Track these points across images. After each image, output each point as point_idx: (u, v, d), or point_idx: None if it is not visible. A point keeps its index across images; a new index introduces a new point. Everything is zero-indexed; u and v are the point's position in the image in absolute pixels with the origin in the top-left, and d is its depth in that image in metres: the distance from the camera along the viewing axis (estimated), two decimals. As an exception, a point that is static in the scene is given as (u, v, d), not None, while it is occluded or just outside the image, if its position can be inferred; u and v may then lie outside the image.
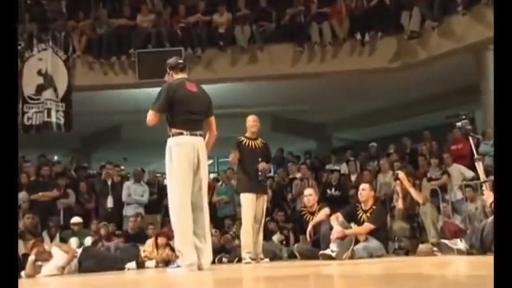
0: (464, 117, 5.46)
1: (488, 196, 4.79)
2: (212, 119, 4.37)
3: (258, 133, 6.00)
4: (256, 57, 9.49)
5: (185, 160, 4.04)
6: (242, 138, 5.95)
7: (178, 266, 4.14)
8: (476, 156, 5.27)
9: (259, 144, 5.97)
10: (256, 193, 5.78)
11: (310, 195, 6.57)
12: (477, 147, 6.68)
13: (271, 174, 10.63)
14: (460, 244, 4.45)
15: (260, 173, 5.73)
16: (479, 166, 5.07)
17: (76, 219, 7.92)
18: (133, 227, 7.92)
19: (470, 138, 5.67)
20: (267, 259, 5.97)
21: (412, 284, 2.12)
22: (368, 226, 5.72)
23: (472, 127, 10.37)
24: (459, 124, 5.58)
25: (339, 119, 12.79)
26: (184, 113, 4.11)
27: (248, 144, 5.90)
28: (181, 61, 4.48)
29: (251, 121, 5.97)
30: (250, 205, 5.75)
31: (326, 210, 6.33)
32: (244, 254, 5.69)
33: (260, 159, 5.77)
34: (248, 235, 5.72)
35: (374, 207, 5.90)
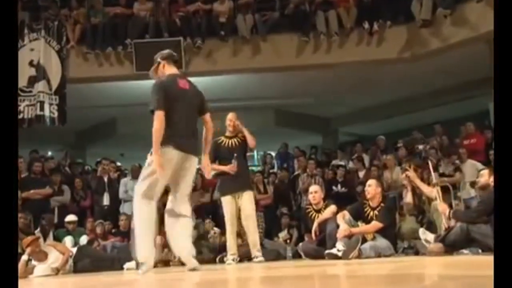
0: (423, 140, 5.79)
1: (443, 209, 5.20)
2: (208, 116, 4.43)
3: (236, 131, 6.13)
4: (259, 48, 9.49)
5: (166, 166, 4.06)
6: (221, 138, 6.15)
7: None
8: (434, 180, 5.59)
9: (238, 141, 6.11)
10: (232, 193, 6.02)
11: (315, 192, 6.61)
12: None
13: (275, 170, 10.70)
14: (429, 236, 5.03)
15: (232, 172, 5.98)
16: (437, 190, 5.40)
17: (70, 217, 7.97)
18: (125, 226, 7.98)
19: (429, 162, 5.90)
20: (261, 258, 5.95)
21: (423, 285, 2.16)
22: (376, 224, 5.76)
23: (487, 122, 10.46)
24: (420, 147, 5.82)
25: (346, 112, 12.79)
26: (177, 112, 4.12)
27: (225, 143, 6.11)
28: (175, 54, 4.55)
29: (227, 119, 6.17)
30: (226, 208, 6.04)
31: (332, 208, 6.38)
32: (229, 256, 6.00)
33: (235, 156, 5.96)
34: (230, 237, 6.03)
35: (382, 204, 5.94)
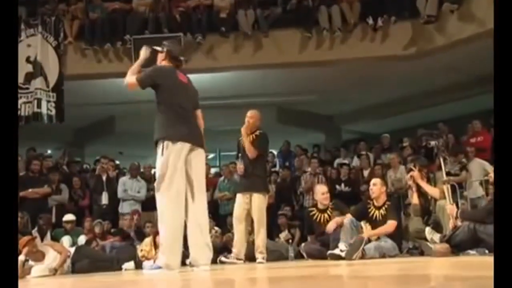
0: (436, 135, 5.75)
1: (451, 211, 5.21)
2: (199, 112, 4.42)
3: (251, 129, 6.07)
4: (260, 44, 9.48)
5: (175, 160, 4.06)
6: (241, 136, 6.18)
7: (160, 267, 4.25)
8: (444, 178, 5.58)
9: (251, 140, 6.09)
10: (241, 192, 6.05)
11: (327, 193, 6.60)
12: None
13: (276, 168, 10.71)
14: (436, 236, 5.15)
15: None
16: (447, 189, 5.39)
17: (68, 217, 7.99)
18: (129, 226, 8.00)
19: (441, 159, 5.92)
20: (263, 260, 5.97)
21: (428, 287, 2.15)
22: (393, 223, 5.75)
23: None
24: (432, 143, 5.82)
25: (349, 110, 12.78)
26: (173, 105, 4.15)
27: (242, 142, 6.13)
28: (183, 58, 4.53)
29: (246, 116, 6.12)
30: (235, 206, 6.09)
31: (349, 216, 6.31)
32: (233, 254, 6.07)
33: (239, 156, 6.04)
34: (235, 236, 6.11)
35: (388, 202, 5.93)
